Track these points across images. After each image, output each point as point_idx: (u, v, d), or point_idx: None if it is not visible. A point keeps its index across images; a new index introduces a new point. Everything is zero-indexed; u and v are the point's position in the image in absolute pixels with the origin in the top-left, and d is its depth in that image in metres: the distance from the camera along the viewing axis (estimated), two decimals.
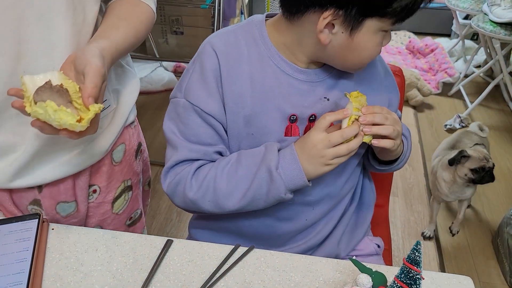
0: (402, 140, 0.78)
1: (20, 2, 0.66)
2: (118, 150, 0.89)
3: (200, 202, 0.74)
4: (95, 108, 0.61)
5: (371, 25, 0.64)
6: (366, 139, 0.69)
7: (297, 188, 0.71)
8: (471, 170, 1.68)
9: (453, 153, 1.74)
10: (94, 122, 0.66)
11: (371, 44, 0.66)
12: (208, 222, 0.88)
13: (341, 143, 0.67)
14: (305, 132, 0.74)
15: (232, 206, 0.73)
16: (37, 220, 0.73)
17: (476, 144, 1.82)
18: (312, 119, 0.74)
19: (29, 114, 0.60)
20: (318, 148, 0.67)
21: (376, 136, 0.70)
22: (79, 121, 0.61)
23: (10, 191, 0.80)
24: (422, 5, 0.66)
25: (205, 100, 0.71)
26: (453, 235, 1.92)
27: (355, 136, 0.68)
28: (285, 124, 0.73)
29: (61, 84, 0.63)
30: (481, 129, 1.97)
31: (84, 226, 0.85)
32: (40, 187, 0.81)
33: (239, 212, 0.80)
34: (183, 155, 0.74)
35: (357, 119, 0.68)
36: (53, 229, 0.75)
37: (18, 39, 0.67)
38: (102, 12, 0.83)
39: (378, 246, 0.94)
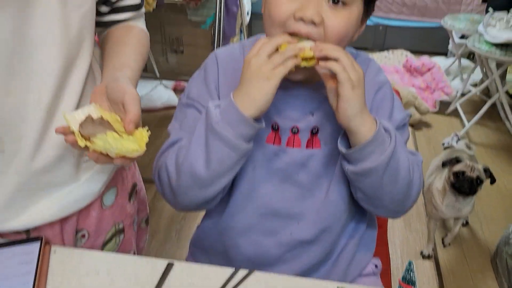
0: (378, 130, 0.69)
1: (14, 35, 0.65)
2: (109, 193, 0.86)
3: (168, 161, 0.74)
4: (145, 132, 0.66)
5: None
6: (310, 63, 0.66)
7: (241, 124, 0.68)
8: (454, 173, 1.70)
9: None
10: None
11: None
12: (202, 242, 0.90)
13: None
14: (287, 143, 0.78)
15: (183, 153, 0.72)
16: (39, 242, 0.74)
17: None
18: (295, 131, 0.78)
19: (81, 148, 0.63)
20: (252, 63, 0.66)
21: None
22: None
23: None
24: None
25: (204, 97, 0.78)
26: (445, 246, 1.94)
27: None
28: (268, 131, 0.77)
29: (101, 116, 0.66)
30: (468, 147, 2.00)
31: None
32: (28, 233, 0.78)
33: (223, 230, 0.83)
34: (173, 140, 0.78)
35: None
36: (55, 252, 0.75)
37: (8, 73, 0.66)
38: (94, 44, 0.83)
39: (376, 266, 0.94)
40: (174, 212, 2.06)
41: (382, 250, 1.13)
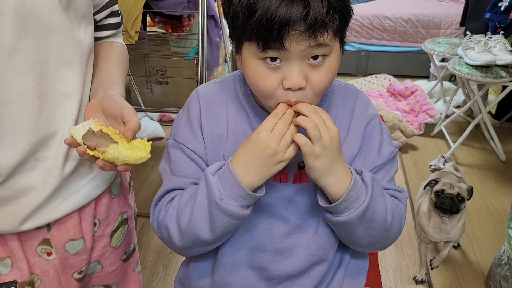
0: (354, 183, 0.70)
1: (42, 59, 0.71)
2: (115, 183, 0.93)
3: (169, 223, 0.75)
4: (147, 141, 0.73)
5: (247, 48, 0.67)
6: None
7: (243, 198, 0.69)
8: (435, 192, 1.71)
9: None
10: None
11: (251, 70, 0.68)
12: (189, 281, 0.87)
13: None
14: (274, 178, 0.77)
15: (186, 220, 0.72)
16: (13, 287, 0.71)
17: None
18: None
19: (90, 157, 0.70)
20: (272, 146, 0.66)
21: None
22: None
23: (18, 234, 0.78)
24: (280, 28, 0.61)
25: (190, 139, 0.78)
26: (432, 268, 1.91)
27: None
28: None
29: (101, 129, 0.73)
30: (456, 169, 2.00)
31: (89, 263, 0.87)
32: (48, 226, 0.80)
33: (213, 268, 0.81)
34: (167, 187, 0.79)
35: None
36: None
37: (38, 94, 0.72)
38: None
39: None
40: (161, 246, 2.01)
41: (373, 278, 1.11)
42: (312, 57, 0.66)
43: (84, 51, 0.78)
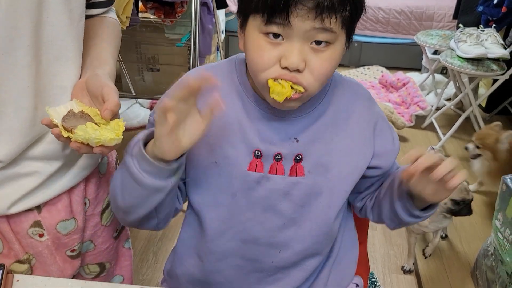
0: None
1: (36, 57, 0.71)
2: (103, 162, 0.93)
3: (112, 181, 0.74)
4: (121, 121, 0.70)
5: (251, 22, 0.66)
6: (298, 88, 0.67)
7: (141, 158, 0.65)
8: (452, 200, 1.69)
9: None
10: None
11: (252, 43, 0.66)
12: (175, 270, 0.87)
13: None
14: (270, 170, 0.75)
15: (114, 179, 0.72)
16: (1, 271, 0.70)
17: None
18: (278, 158, 0.75)
19: (65, 138, 0.68)
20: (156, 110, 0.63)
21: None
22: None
23: (8, 217, 0.78)
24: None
25: None
26: (426, 257, 1.94)
27: None
28: (249, 159, 0.74)
29: (82, 110, 0.71)
30: None
31: (82, 242, 0.86)
32: (39, 208, 0.80)
33: (203, 255, 0.80)
34: None
35: None
36: (18, 280, 0.71)
37: (35, 93, 0.72)
38: None
39: (357, 285, 0.93)
40: (151, 233, 2.01)
41: (363, 268, 1.11)
42: (315, 41, 0.64)
43: (77, 44, 0.78)
